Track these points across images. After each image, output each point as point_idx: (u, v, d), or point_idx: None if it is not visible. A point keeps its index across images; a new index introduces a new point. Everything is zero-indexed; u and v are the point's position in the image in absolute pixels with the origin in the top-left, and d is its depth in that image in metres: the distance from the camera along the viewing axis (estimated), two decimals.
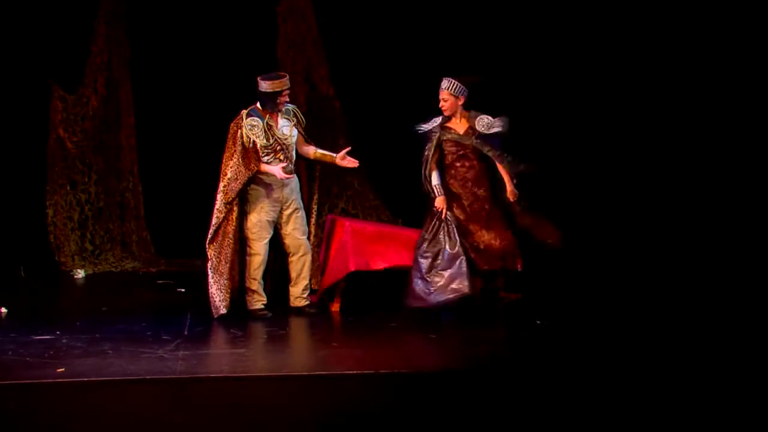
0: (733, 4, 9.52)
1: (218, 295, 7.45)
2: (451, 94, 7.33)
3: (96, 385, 5.72)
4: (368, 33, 9.96)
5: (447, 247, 7.22)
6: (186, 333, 6.99)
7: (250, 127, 7.48)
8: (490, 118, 7.36)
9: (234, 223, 7.55)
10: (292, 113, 7.68)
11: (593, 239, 9.73)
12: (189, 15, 10.08)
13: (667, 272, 9.09)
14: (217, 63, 10.14)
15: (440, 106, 7.42)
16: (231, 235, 7.51)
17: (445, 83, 7.35)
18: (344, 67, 10.08)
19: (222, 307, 7.45)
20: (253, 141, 7.46)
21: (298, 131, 7.68)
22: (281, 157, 7.54)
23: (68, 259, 9.78)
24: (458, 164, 7.44)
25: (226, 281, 7.49)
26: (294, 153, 7.65)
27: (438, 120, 7.47)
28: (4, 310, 7.77)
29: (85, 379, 5.77)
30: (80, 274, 9.58)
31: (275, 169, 7.44)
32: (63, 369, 5.96)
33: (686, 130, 9.70)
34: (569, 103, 9.87)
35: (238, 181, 7.49)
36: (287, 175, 7.47)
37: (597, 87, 9.81)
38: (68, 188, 9.92)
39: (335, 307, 7.83)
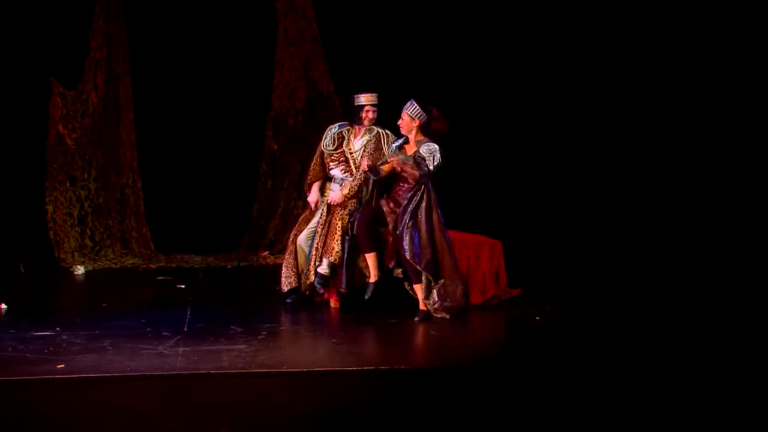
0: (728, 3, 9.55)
1: (284, 272, 7.95)
2: (408, 115, 7.53)
3: (96, 382, 5.72)
4: (368, 29, 9.97)
5: None
6: (186, 329, 6.99)
7: (327, 132, 7.98)
8: (434, 147, 7.40)
9: (306, 212, 8.04)
10: (374, 135, 7.87)
11: (594, 234, 9.76)
12: (188, 10, 10.08)
13: (670, 267, 9.10)
14: (216, 58, 10.15)
15: (398, 123, 7.61)
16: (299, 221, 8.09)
17: (407, 104, 7.55)
18: (344, 64, 10.08)
19: (285, 284, 7.92)
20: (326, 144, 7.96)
21: (370, 154, 7.82)
22: (343, 168, 7.91)
23: (68, 255, 9.77)
24: (400, 184, 7.64)
25: (291, 260, 7.92)
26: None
27: (401, 140, 7.67)
28: (3, 306, 7.76)
29: (85, 376, 5.77)
30: (80, 270, 9.58)
31: (329, 195, 7.92)
32: (63, 365, 5.96)
33: (687, 127, 9.71)
34: (574, 102, 9.91)
35: (309, 176, 8.08)
36: (313, 201, 7.98)
37: (597, 86, 9.84)
38: (68, 184, 9.91)
39: (335, 303, 7.83)
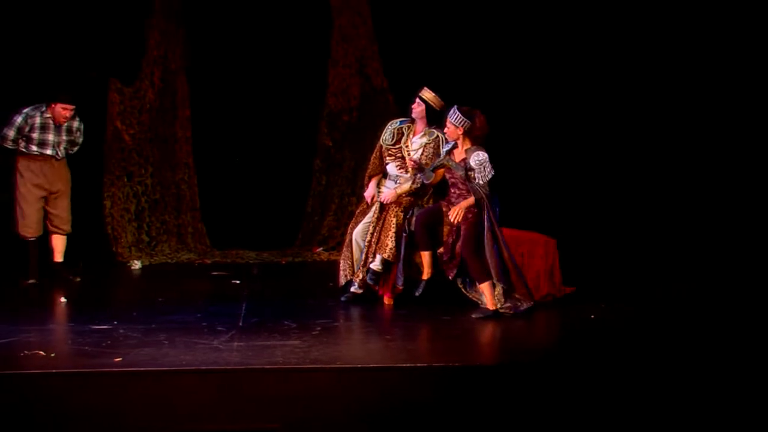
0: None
1: (341, 265, 7.97)
2: (452, 123, 7.48)
3: (152, 375, 5.79)
4: (423, 25, 9.96)
5: None
6: (241, 324, 7.04)
7: (387, 127, 8.03)
8: (483, 157, 7.34)
9: (363, 205, 8.02)
10: (433, 139, 7.87)
11: (649, 232, 9.69)
12: (244, 7, 10.13)
13: (728, 265, 9.01)
14: (271, 55, 10.20)
15: (444, 131, 7.59)
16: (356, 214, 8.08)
17: (449, 111, 7.51)
18: (398, 60, 10.08)
19: (342, 277, 7.94)
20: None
21: (429, 157, 7.84)
22: (398, 165, 7.91)
23: (125, 250, 9.87)
24: (451, 190, 7.64)
25: (347, 253, 7.93)
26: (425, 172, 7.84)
27: (450, 144, 7.62)
28: (63, 299, 7.89)
29: (141, 369, 5.84)
30: (137, 265, 9.67)
31: (383, 193, 7.93)
32: (120, 358, 6.04)
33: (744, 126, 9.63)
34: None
35: (368, 169, 8.07)
36: (369, 196, 7.96)
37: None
38: (125, 180, 10.01)
39: (388, 300, 7.84)
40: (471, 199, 7.40)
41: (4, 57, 9.52)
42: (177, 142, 10.31)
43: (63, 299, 7.88)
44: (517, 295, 7.45)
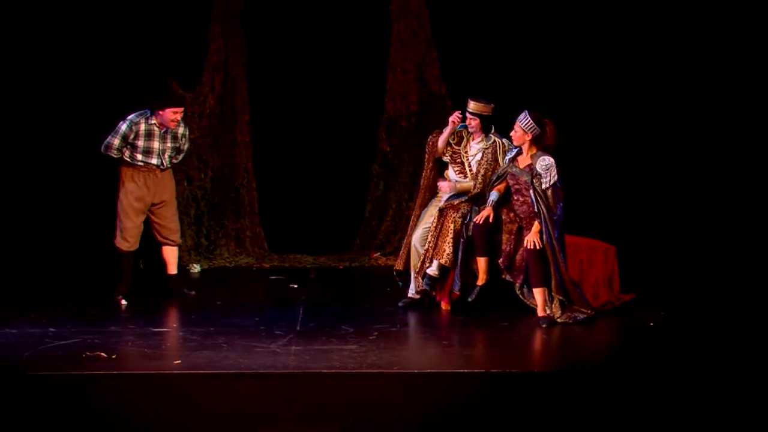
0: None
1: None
2: (521, 128, 7.43)
3: (210, 378, 5.84)
4: (482, 31, 9.95)
5: None
6: (298, 328, 7.08)
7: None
8: (549, 161, 7.28)
9: (418, 210, 8.07)
10: (491, 144, 7.92)
11: (710, 239, 9.59)
12: (303, 13, 10.19)
13: None
14: (330, 61, 10.24)
15: (510, 134, 7.56)
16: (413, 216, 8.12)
17: (520, 116, 7.44)
18: (457, 66, 10.07)
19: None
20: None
21: (483, 164, 7.89)
22: (458, 170, 7.95)
23: (184, 253, 9.94)
24: (514, 197, 7.60)
25: (402, 252, 8.06)
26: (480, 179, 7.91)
27: (514, 151, 7.61)
28: (124, 302, 7.98)
29: (200, 372, 5.90)
30: (196, 268, 9.76)
31: (444, 186, 8.03)
32: (179, 361, 6.10)
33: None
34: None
35: (423, 176, 8.16)
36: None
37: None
38: (185, 184, 10.09)
39: (445, 305, 7.83)
40: (537, 225, 7.36)
41: (64, 62, 9.69)
42: (236, 147, 10.39)
43: (124, 302, 7.97)
44: (575, 307, 7.39)
